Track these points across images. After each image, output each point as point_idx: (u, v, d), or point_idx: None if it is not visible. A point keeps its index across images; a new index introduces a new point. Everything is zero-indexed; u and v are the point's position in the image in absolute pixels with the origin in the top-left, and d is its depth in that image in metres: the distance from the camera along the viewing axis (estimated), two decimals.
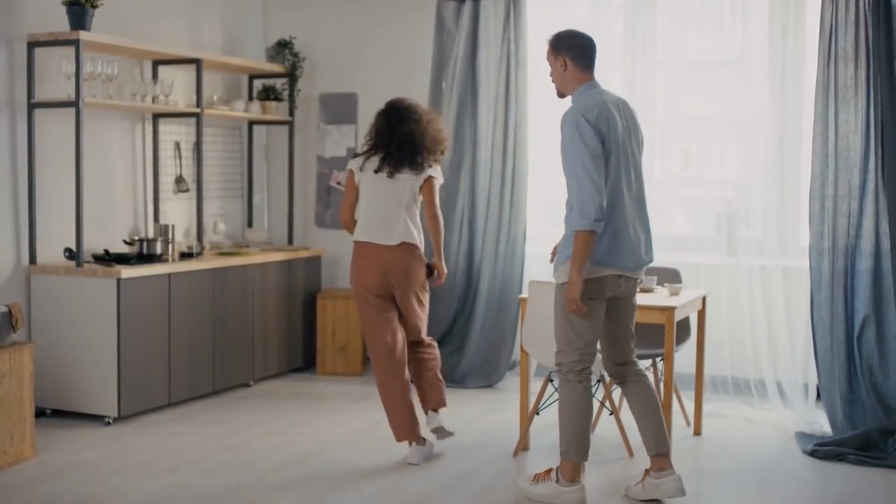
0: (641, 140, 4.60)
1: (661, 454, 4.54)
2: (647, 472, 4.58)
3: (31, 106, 5.71)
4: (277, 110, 7.39)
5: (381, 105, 5.21)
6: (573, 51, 4.46)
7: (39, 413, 5.62)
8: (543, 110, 6.67)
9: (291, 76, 7.43)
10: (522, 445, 5.28)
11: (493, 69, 6.88)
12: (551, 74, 4.56)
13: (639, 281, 4.65)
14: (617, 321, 4.61)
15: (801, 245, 6.20)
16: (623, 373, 4.67)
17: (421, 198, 5.13)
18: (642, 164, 4.59)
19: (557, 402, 4.56)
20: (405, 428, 5.08)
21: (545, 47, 4.57)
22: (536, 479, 4.54)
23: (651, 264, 4.70)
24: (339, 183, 7.54)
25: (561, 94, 4.57)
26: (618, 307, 4.57)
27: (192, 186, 6.82)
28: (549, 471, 4.55)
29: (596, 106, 4.35)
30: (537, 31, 6.81)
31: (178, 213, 6.83)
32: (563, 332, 4.46)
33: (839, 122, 5.72)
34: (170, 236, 6.23)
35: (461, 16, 6.91)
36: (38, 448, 5.11)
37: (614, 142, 4.35)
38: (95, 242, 6.06)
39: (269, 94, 7.36)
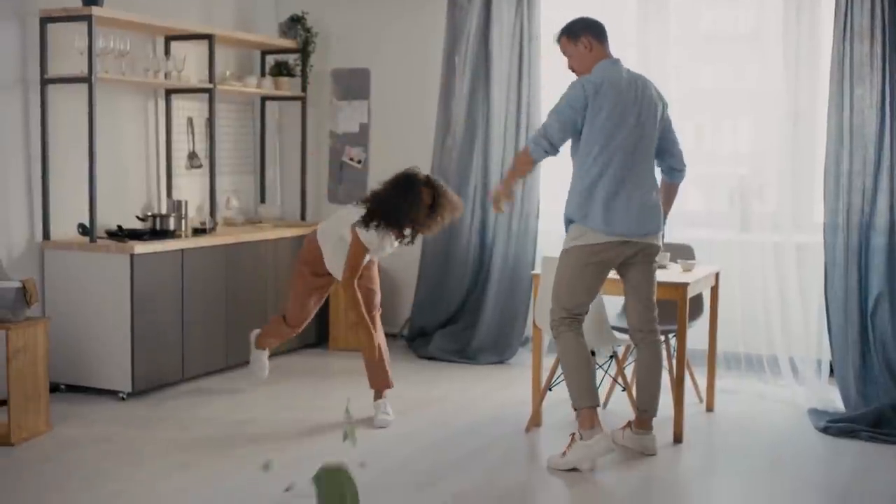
0: (659, 115, 4.76)
1: (647, 415, 4.86)
2: (629, 423, 4.92)
3: (45, 82, 5.70)
4: (290, 86, 7.37)
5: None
6: (592, 29, 4.72)
7: (54, 388, 5.65)
8: (556, 86, 6.58)
9: (304, 51, 7.41)
10: (535, 421, 5.28)
11: (506, 44, 6.85)
12: (570, 63, 4.78)
13: (657, 248, 4.76)
14: (631, 288, 4.81)
15: (815, 221, 6.17)
16: (640, 338, 4.87)
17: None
18: (655, 138, 4.75)
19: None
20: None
21: (555, 44, 4.82)
22: (563, 453, 4.60)
23: (656, 232, 4.75)
24: (351, 158, 7.53)
25: (580, 75, 4.74)
26: (629, 274, 4.76)
27: (205, 162, 6.82)
28: (571, 438, 4.63)
29: (605, 78, 4.60)
30: (550, 6, 6.77)
31: (190, 188, 6.83)
32: (556, 293, 4.68)
33: (854, 98, 5.69)
34: (183, 212, 6.24)
35: None
36: (52, 423, 5.14)
37: (616, 112, 4.57)
38: (109, 218, 6.07)
39: (281, 70, 7.35)
